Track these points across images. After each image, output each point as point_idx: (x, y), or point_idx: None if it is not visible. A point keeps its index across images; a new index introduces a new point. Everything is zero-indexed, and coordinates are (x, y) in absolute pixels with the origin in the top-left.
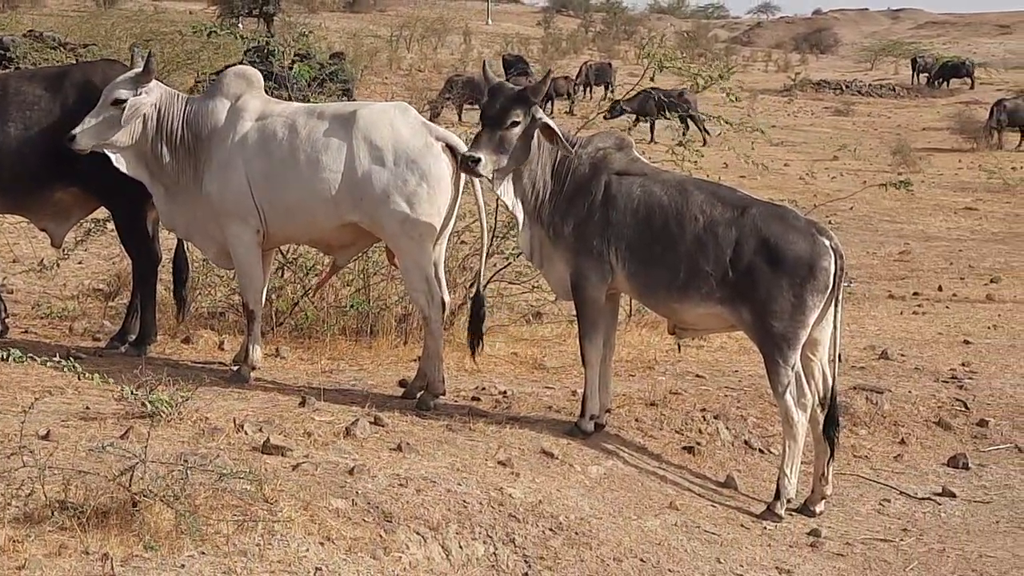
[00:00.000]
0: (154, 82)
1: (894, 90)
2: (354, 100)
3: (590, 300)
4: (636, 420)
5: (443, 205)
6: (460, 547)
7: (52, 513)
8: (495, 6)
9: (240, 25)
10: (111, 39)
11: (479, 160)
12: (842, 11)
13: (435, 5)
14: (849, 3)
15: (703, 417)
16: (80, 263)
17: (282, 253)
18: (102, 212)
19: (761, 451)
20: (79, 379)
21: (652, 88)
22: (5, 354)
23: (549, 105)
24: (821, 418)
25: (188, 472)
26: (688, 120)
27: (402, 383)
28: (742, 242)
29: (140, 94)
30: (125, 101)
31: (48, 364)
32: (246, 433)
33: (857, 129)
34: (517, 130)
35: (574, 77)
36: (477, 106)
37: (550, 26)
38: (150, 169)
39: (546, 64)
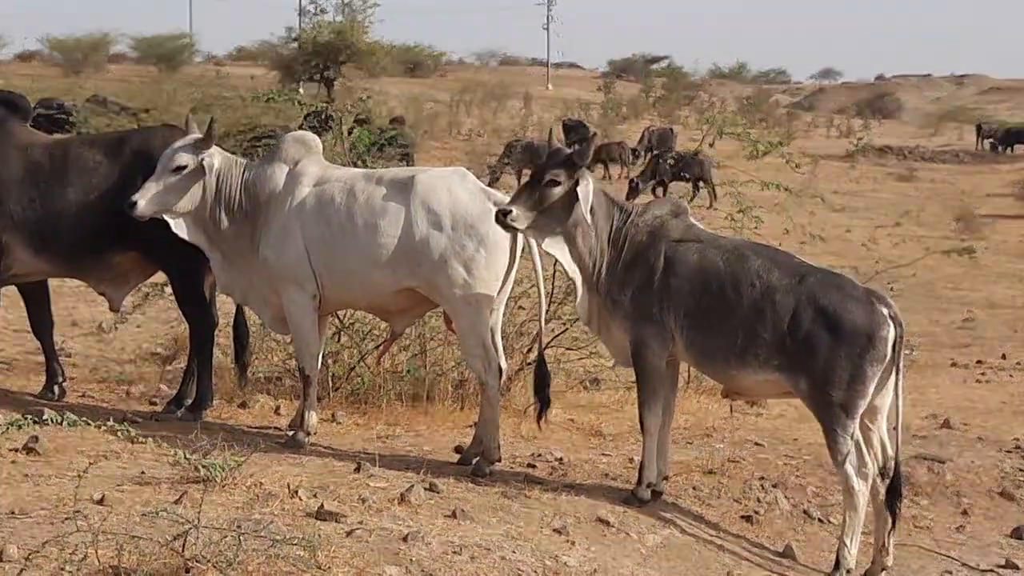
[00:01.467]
0: (214, 148)
1: (958, 156)
2: (413, 165)
3: (650, 367)
4: (693, 488)
5: (500, 270)
6: None
7: None
8: (555, 71)
9: (301, 90)
10: (172, 104)
11: (510, 212)
12: (905, 77)
13: (495, 70)
14: (912, 68)
15: (761, 486)
16: (138, 327)
17: (338, 318)
18: (161, 276)
19: (820, 521)
20: (134, 443)
21: (660, 153)
22: (60, 418)
23: (603, 171)
24: (882, 488)
25: (241, 538)
26: (700, 182)
27: (458, 449)
28: (800, 310)
29: (201, 160)
30: (186, 167)
31: (103, 428)
32: (300, 499)
33: (920, 195)
34: (557, 190)
35: (637, 142)
36: None
37: (610, 91)
38: (208, 235)
39: (606, 129)
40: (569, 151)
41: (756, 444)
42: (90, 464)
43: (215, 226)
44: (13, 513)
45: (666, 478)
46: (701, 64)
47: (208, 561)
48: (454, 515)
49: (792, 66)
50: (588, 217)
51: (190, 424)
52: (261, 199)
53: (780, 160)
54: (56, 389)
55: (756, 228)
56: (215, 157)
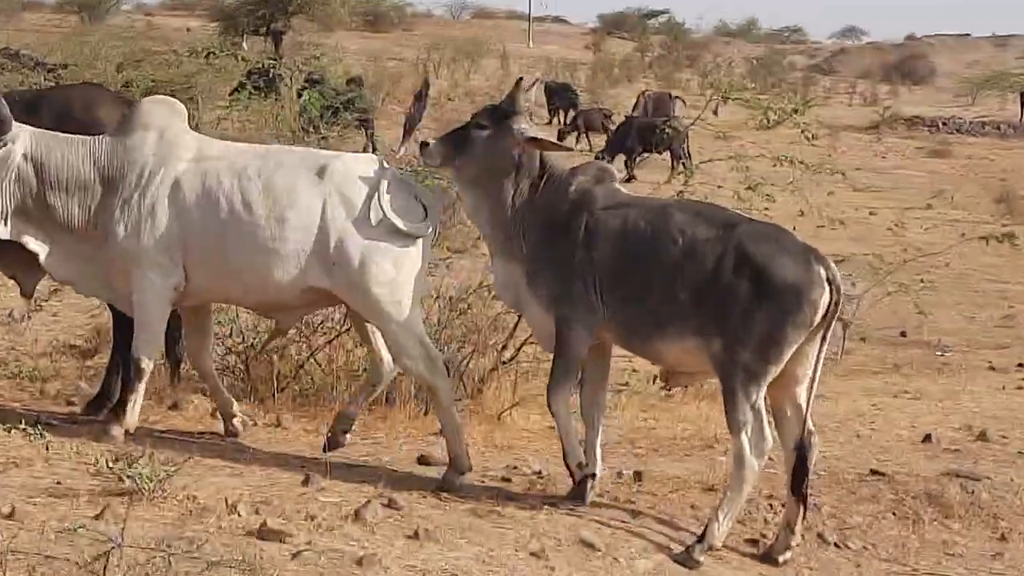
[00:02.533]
0: (17, 127)
1: (999, 128)
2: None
3: (571, 350)
4: (691, 507)
5: (426, 257)
6: None
7: None
8: (538, 26)
9: (244, 45)
10: (96, 59)
11: (427, 144)
12: (939, 36)
13: (468, 24)
14: (947, 27)
15: (769, 505)
16: (55, 316)
17: None
18: None
19: (837, 545)
20: (49, 449)
21: (631, 117)
22: None
23: (582, 140)
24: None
25: (172, 559)
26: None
27: (421, 459)
28: (722, 261)
29: (4, 146)
30: None
31: (14, 431)
32: (240, 515)
33: (955, 173)
34: (481, 133)
35: (632, 108)
36: None
37: (601, 49)
38: (40, 227)
39: (596, 93)
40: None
41: None
42: None
43: (48, 214)
44: None
45: (593, 475)
46: (705, 20)
47: None
48: (416, 536)
49: (809, 23)
50: (511, 166)
51: (112, 428)
52: (117, 173)
53: (794, 131)
54: None
55: (767, 209)
56: (22, 138)
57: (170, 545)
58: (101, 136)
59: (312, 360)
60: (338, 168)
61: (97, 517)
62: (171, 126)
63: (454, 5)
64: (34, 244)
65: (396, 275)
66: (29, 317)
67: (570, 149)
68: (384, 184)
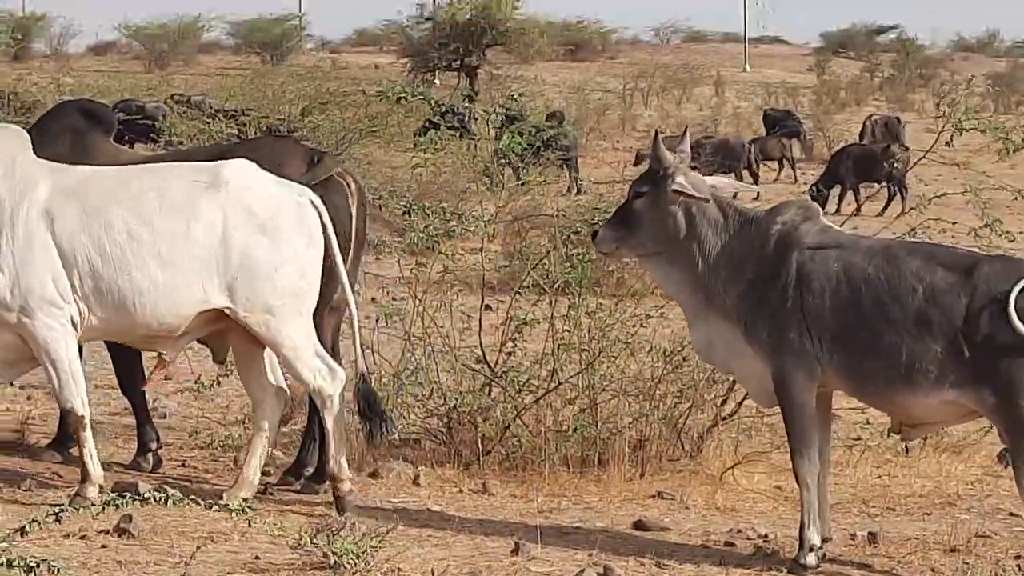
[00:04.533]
0: None
1: None
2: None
3: (798, 405)
4: (932, 570)
5: (320, 266)
6: None
7: None
8: (754, 48)
9: (437, 81)
10: (279, 103)
11: (595, 234)
12: None
13: (679, 49)
14: None
15: (1018, 567)
16: None
17: (489, 366)
18: None
19: None
20: (247, 523)
21: (848, 145)
22: (161, 495)
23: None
24: None
25: None
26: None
27: (637, 524)
28: (973, 309)
29: None
30: None
31: (210, 506)
32: None
33: None
34: (640, 203)
35: (859, 134)
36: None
37: (825, 71)
38: None
39: (820, 120)
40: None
41: (1011, 515)
42: (196, 548)
43: None
44: None
45: (827, 540)
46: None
47: None
48: None
49: None
50: (682, 223)
51: (312, 498)
52: None
53: None
54: (151, 457)
55: (1010, 246)
56: None
57: None
58: None
59: (518, 421)
60: (230, 174)
61: None
62: (18, 154)
63: (663, 29)
64: None
65: (300, 283)
66: (218, 383)
67: (706, 200)
68: (276, 187)
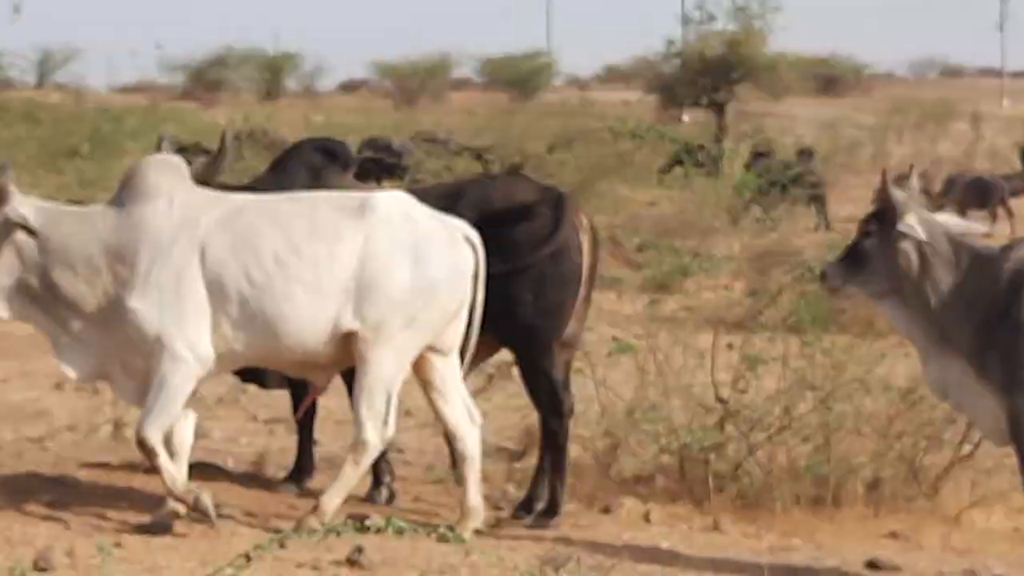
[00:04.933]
0: (18, 197)
1: None
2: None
3: None
4: None
5: (455, 305)
6: None
7: None
8: (1013, 82)
9: (685, 117)
10: (525, 140)
11: (824, 273)
12: None
13: (935, 84)
14: None
15: None
16: (484, 415)
17: (722, 402)
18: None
19: None
20: (474, 556)
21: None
22: (388, 524)
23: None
24: None
25: None
26: None
27: (870, 564)
28: None
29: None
30: None
31: (439, 538)
32: None
33: None
34: (869, 242)
35: None
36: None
37: None
38: (44, 308)
39: None
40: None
41: None
42: None
43: (55, 297)
44: None
45: None
46: None
47: None
48: None
49: None
50: (914, 260)
51: (542, 533)
52: (128, 249)
53: None
54: (384, 491)
55: None
56: (21, 209)
57: None
58: (97, 208)
59: (751, 459)
60: (377, 203)
61: None
62: (179, 190)
63: (919, 63)
64: (43, 329)
65: (420, 316)
66: None
67: (928, 241)
68: (423, 217)
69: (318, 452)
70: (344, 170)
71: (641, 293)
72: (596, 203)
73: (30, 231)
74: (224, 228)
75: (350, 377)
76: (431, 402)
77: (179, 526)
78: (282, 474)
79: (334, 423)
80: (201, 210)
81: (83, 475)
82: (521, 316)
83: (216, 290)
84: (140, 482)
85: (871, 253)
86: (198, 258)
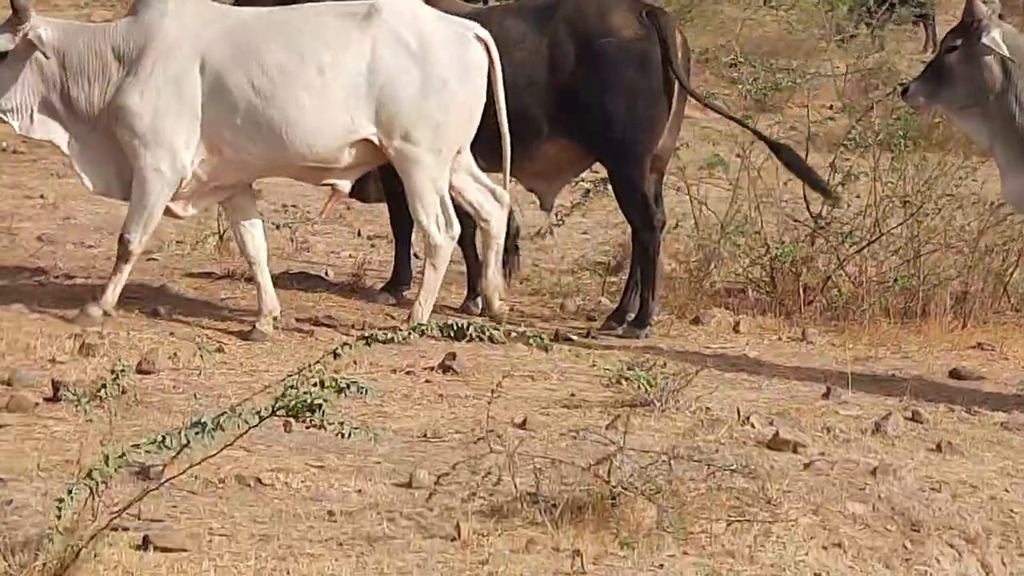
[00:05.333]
0: (36, 18)
1: None
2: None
3: None
4: None
5: (477, 105)
6: (1003, 563)
7: (521, 506)
8: None
9: None
10: None
11: (907, 88)
12: None
13: None
14: None
15: None
16: (584, 233)
17: (813, 218)
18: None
19: None
20: (565, 362)
21: None
22: (487, 333)
23: None
24: None
25: (672, 464)
26: None
27: (953, 373)
28: None
29: (22, 36)
30: (5, 54)
31: (531, 344)
32: (752, 426)
33: None
34: (954, 55)
35: None
36: None
37: None
38: (67, 125)
39: None
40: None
41: None
42: (514, 385)
43: (73, 112)
44: (425, 436)
45: None
46: None
47: (637, 489)
48: (939, 448)
49: None
50: (999, 75)
51: (632, 342)
52: (135, 56)
53: None
54: (479, 301)
55: None
56: (42, 28)
57: (677, 452)
58: (120, 21)
59: (841, 271)
60: (385, 6)
61: (608, 427)
62: (187, 1)
63: None
64: (66, 148)
65: (442, 119)
66: (551, 233)
67: (1012, 59)
68: (433, 17)
69: (416, 264)
70: None
71: (734, 110)
72: (699, 24)
73: (44, 53)
74: (228, 39)
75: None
76: (453, 194)
77: (279, 334)
78: (380, 285)
79: None
80: (208, 20)
81: (187, 285)
82: (613, 130)
83: (218, 99)
84: (242, 291)
85: (955, 68)
86: (198, 67)
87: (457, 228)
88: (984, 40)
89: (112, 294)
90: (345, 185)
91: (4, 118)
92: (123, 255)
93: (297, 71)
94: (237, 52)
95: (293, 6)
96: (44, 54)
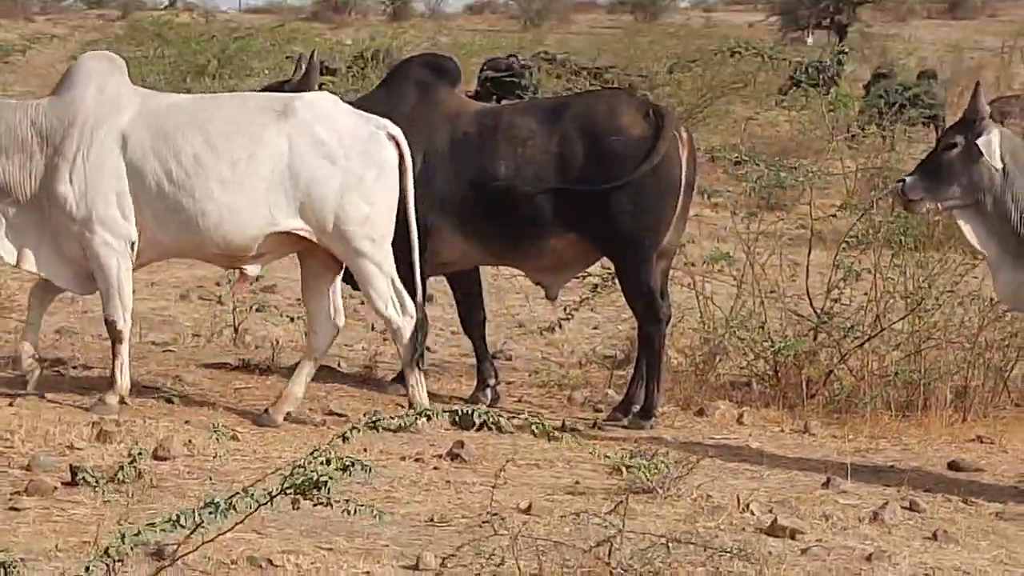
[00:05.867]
0: None
1: None
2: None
3: None
4: None
5: (395, 197)
6: None
7: None
8: None
9: (808, 39)
10: (641, 60)
11: (903, 182)
12: None
13: None
14: None
15: None
16: (594, 328)
17: (816, 313)
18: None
19: None
20: (571, 451)
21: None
22: (494, 422)
23: None
24: None
25: (671, 547)
26: None
27: (951, 465)
28: None
29: None
30: None
31: (539, 434)
32: (752, 513)
33: None
34: (953, 153)
35: None
36: None
37: None
38: None
39: None
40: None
41: None
42: (520, 472)
43: None
44: (432, 520)
45: None
46: None
47: (636, 570)
48: (935, 537)
49: None
50: (996, 175)
51: (637, 432)
52: (58, 135)
53: None
54: (488, 392)
55: None
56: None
57: (676, 536)
58: (44, 98)
59: (843, 365)
60: (299, 105)
61: (610, 512)
62: (110, 79)
63: None
64: None
65: (369, 211)
66: (560, 327)
67: (996, 167)
68: (346, 116)
69: (429, 358)
70: (452, 85)
71: (742, 208)
72: (713, 122)
73: None
74: (147, 124)
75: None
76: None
77: (292, 421)
78: (390, 376)
79: (450, 332)
80: (129, 103)
81: (202, 375)
82: (620, 227)
83: (137, 183)
84: (256, 380)
85: (953, 166)
86: (119, 148)
87: (411, 308)
88: (978, 142)
89: (122, 379)
90: (254, 269)
91: None
92: (115, 336)
93: (212, 163)
94: (155, 138)
95: (213, 95)
96: None
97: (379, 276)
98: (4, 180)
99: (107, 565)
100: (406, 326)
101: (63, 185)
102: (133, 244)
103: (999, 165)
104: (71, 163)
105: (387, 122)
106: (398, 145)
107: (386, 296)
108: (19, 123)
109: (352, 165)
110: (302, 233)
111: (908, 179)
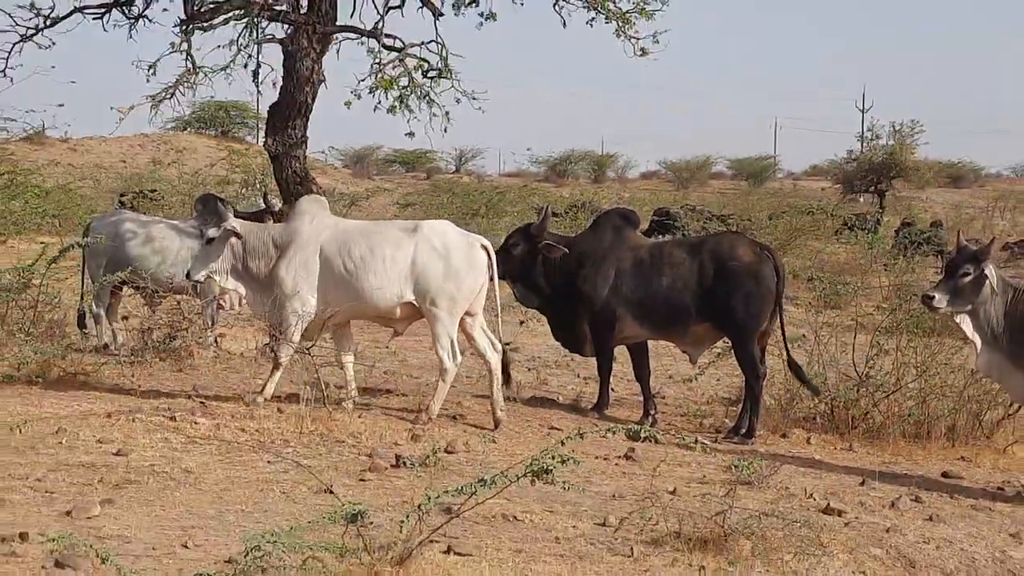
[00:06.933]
0: (230, 219)
1: None
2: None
3: None
4: None
5: (475, 288)
6: None
7: (670, 538)
8: None
9: (860, 199)
10: (751, 210)
11: (933, 297)
12: None
13: None
14: None
15: None
16: (718, 380)
17: (858, 375)
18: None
19: None
20: (701, 456)
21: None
22: (653, 437)
23: None
24: None
25: (761, 519)
26: None
27: (944, 474)
28: None
29: (230, 229)
30: (213, 238)
31: (682, 445)
32: (814, 499)
33: None
34: (967, 279)
35: None
36: None
37: None
38: (242, 279)
39: None
40: (974, 249)
41: None
42: (669, 468)
43: (248, 272)
44: (613, 496)
45: None
46: None
47: (740, 532)
48: (931, 519)
49: None
50: (992, 297)
51: (741, 447)
52: (286, 243)
53: None
54: (650, 418)
55: None
56: (232, 224)
57: (765, 512)
58: (279, 224)
59: (875, 408)
60: (424, 225)
61: (724, 495)
62: (318, 215)
63: (1019, 167)
64: (242, 291)
65: (454, 293)
66: (697, 379)
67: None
68: (453, 233)
69: (613, 396)
70: (635, 227)
71: (813, 307)
72: (796, 251)
73: (237, 235)
74: (335, 239)
75: (634, 351)
76: (466, 340)
77: (525, 431)
78: (588, 406)
79: (627, 380)
80: (327, 227)
81: (474, 402)
82: (735, 318)
83: (327, 272)
84: (508, 404)
85: (967, 287)
86: (318, 253)
87: (459, 358)
88: (985, 271)
89: (268, 390)
90: (400, 327)
91: (212, 276)
92: (275, 365)
93: (371, 261)
94: (339, 247)
95: (375, 221)
96: (237, 236)
97: (446, 335)
98: (255, 270)
99: (418, 516)
100: (452, 369)
101: (282, 272)
102: (312, 311)
103: (996, 287)
104: (289, 260)
105: (481, 237)
106: (487, 251)
107: (447, 348)
108: (267, 239)
109: (452, 262)
110: (414, 303)
111: (936, 295)
